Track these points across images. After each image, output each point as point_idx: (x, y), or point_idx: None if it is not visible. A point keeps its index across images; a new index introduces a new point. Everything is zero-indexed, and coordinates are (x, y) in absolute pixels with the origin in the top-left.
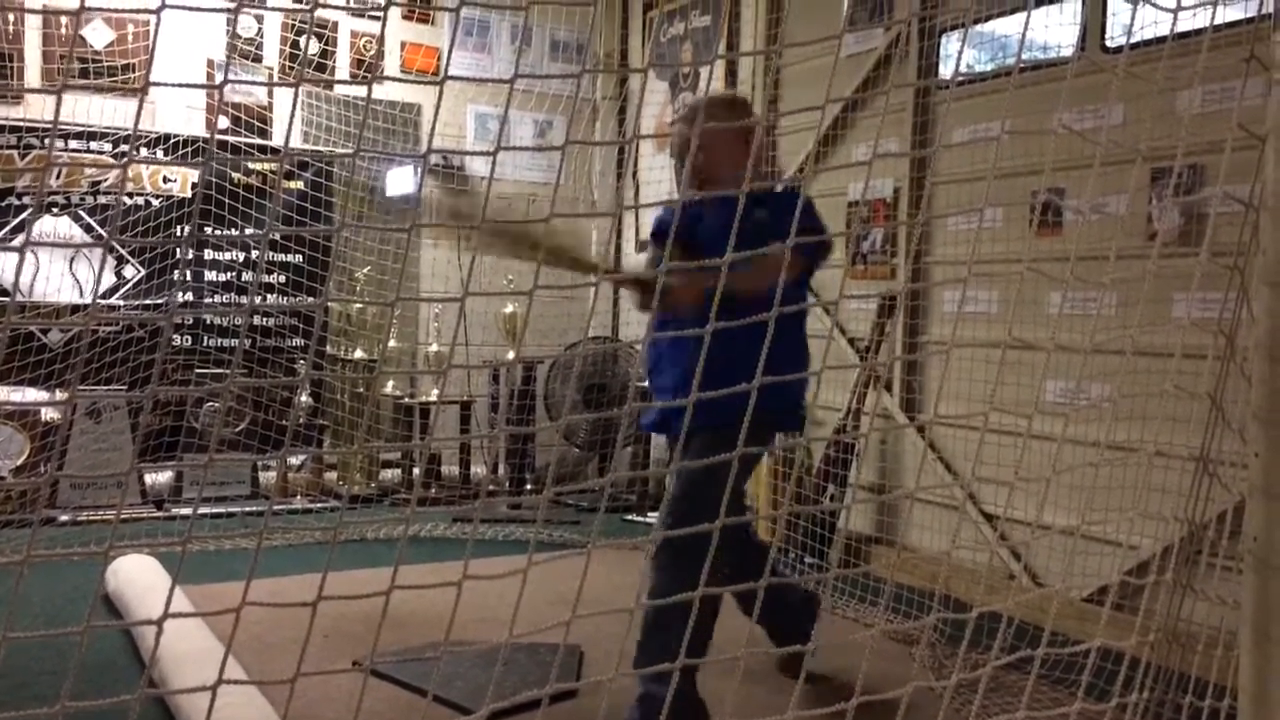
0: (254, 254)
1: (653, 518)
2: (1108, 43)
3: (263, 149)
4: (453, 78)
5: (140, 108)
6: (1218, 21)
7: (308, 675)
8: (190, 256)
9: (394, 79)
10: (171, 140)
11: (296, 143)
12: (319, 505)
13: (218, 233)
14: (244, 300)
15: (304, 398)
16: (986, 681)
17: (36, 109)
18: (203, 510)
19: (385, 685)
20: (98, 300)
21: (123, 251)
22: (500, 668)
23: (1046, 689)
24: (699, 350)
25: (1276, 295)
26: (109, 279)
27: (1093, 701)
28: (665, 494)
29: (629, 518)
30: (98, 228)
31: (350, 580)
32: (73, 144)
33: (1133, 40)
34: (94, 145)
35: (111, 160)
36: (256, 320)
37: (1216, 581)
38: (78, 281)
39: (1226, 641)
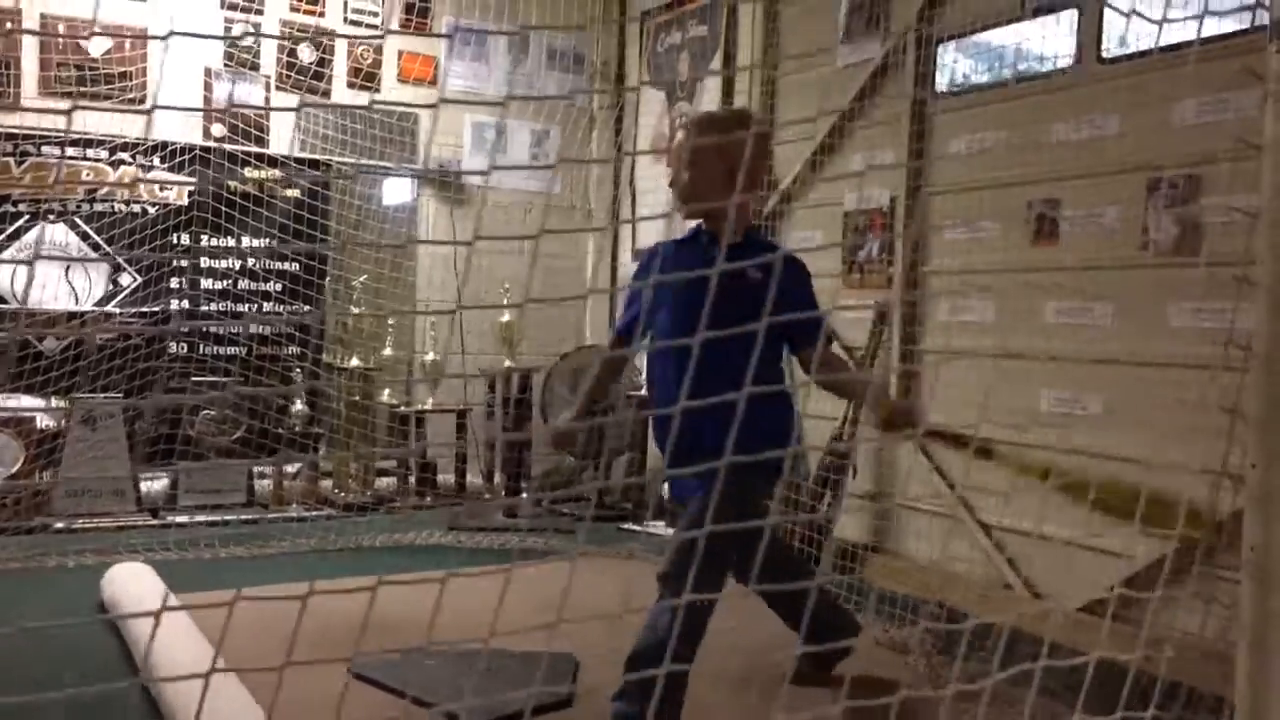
0: (251, 262)
1: (650, 528)
2: (1104, 54)
3: (260, 157)
4: (450, 101)
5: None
6: (1214, 33)
7: (294, 665)
8: (186, 265)
9: (393, 104)
10: (169, 148)
11: (295, 152)
12: (314, 513)
13: (214, 242)
14: (240, 308)
15: (300, 406)
16: (982, 692)
17: (33, 117)
18: (198, 518)
19: (375, 692)
20: (94, 308)
21: (119, 260)
22: (493, 674)
23: (1043, 700)
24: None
25: (1274, 304)
26: (105, 287)
27: (1092, 713)
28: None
29: (625, 526)
30: (95, 236)
31: (342, 588)
32: (69, 152)
33: (1128, 51)
34: (90, 153)
35: (109, 169)
36: (252, 329)
37: (1214, 591)
38: (74, 290)
39: (1223, 651)
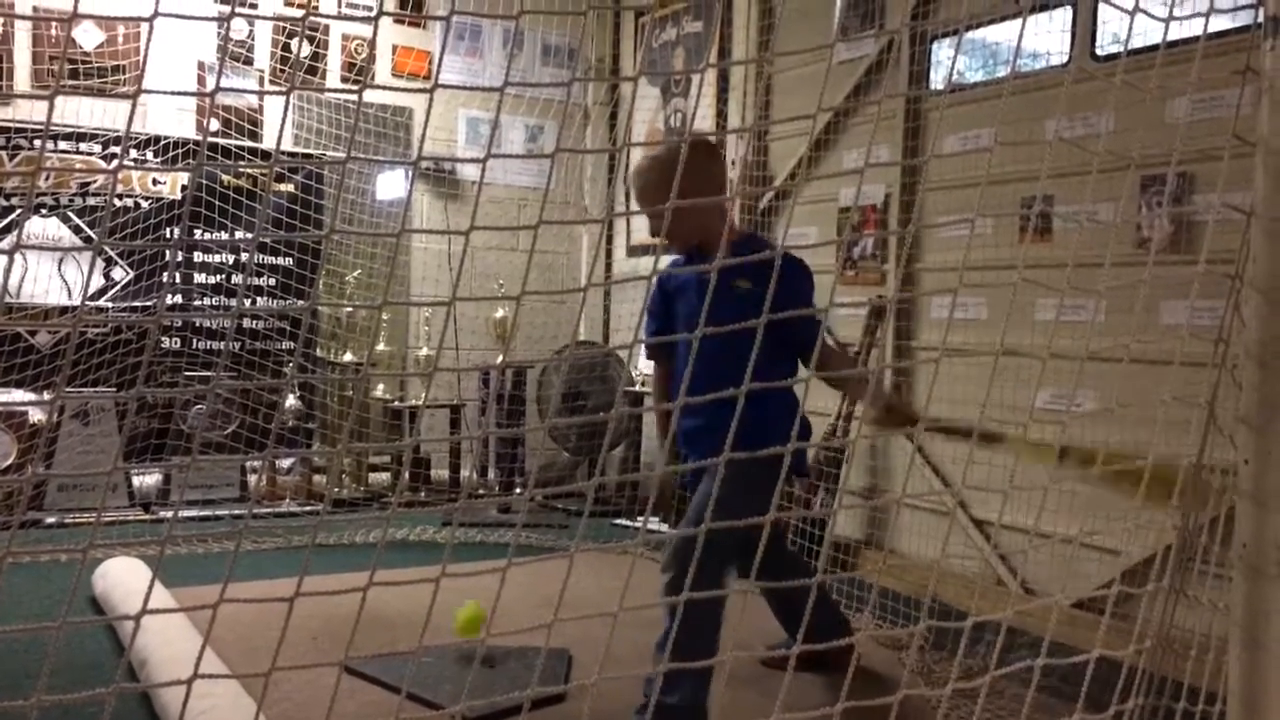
0: (244, 256)
1: (642, 523)
2: (1098, 50)
3: (253, 152)
4: (444, 86)
5: (132, 112)
6: (1208, 31)
7: (282, 669)
8: (179, 259)
9: (385, 88)
10: (162, 142)
11: (287, 146)
12: (307, 509)
13: (207, 236)
14: (233, 302)
15: (293, 401)
16: (979, 689)
17: (25, 110)
18: (190, 513)
19: (372, 688)
20: (86, 302)
21: (112, 253)
22: (489, 670)
23: (1036, 695)
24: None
25: (1267, 301)
26: (97, 281)
27: (1084, 708)
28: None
29: (618, 522)
30: (87, 229)
31: (336, 583)
32: (62, 145)
33: (1122, 49)
34: (83, 147)
35: (101, 162)
36: (245, 323)
37: (1207, 588)
38: (66, 283)
39: (1217, 647)
